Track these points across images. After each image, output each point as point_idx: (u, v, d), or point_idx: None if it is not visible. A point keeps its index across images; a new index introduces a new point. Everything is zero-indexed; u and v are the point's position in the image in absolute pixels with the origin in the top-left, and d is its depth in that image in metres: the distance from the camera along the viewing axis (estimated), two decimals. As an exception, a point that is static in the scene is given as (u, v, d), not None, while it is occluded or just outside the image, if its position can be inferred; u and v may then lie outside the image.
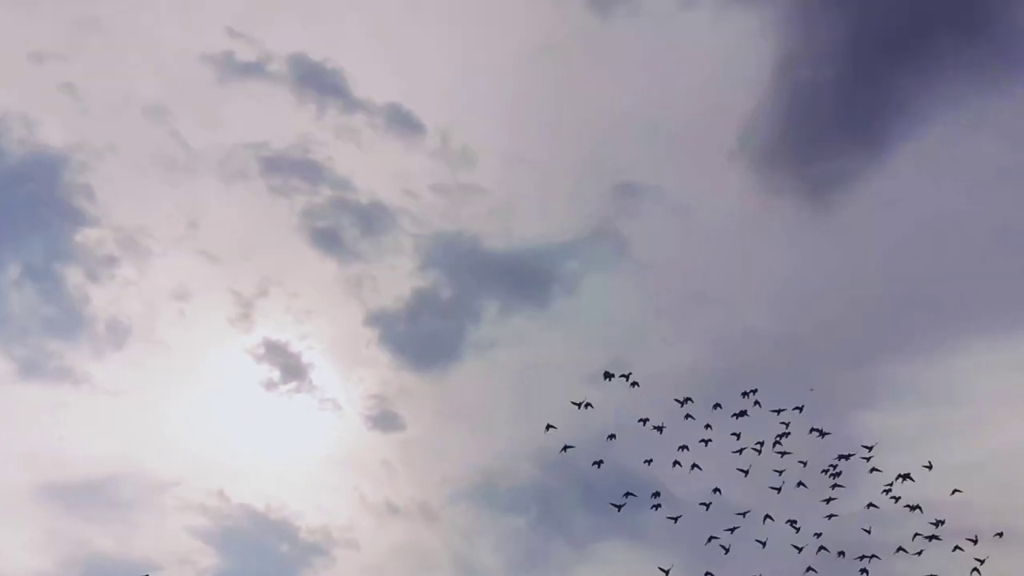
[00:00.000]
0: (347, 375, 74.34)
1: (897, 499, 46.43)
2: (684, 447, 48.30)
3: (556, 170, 76.17)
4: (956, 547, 45.34)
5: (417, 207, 77.07)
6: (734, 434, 47.05)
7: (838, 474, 46.66)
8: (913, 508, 46.00)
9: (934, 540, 45.74)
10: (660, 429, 47.21)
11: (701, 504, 47.65)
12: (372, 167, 78.89)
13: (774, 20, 69.47)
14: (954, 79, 65.18)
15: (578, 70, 77.04)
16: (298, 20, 79.02)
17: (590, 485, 67.58)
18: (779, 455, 46.97)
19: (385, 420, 72.12)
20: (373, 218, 76.85)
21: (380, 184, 78.07)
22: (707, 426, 46.52)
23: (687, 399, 47.16)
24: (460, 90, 78.99)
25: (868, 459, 46.27)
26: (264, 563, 68.07)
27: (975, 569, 45.04)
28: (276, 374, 72.77)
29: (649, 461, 48.25)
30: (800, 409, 46.52)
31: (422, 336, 74.38)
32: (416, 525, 68.64)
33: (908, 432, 60.73)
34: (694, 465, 47.30)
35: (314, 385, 73.05)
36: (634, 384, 47.62)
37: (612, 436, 48.07)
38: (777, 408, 46.65)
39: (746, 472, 47.14)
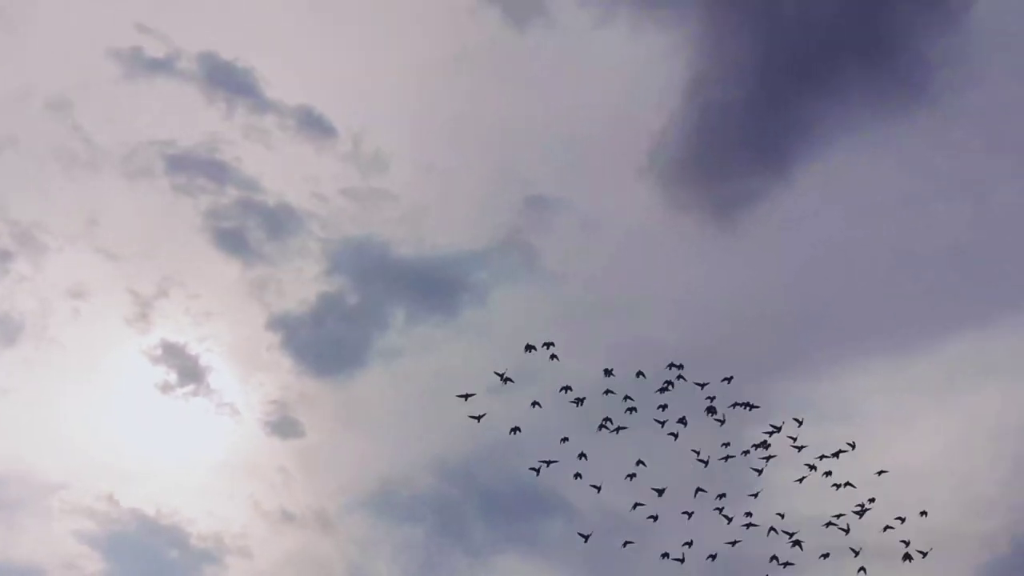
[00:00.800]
0: (246, 379, 73.10)
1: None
2: (583, 455, 48.46)
3: (468, 179, 76.15)
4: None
5: (326, 211, 76.46)
6: (661, 406, 48.28)
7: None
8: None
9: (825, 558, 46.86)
10: (580, 402, 48.18)
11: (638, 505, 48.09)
12: (281, 169, 78.17)
13: (687, 40, 70.58)
14: (859, 105, 66.88)
15: (493, 80, 77.28)
16: (210, 18, 77.92)
17: (489, 495, 67.40)
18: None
19: (284, 426, 71.11)
20: (280, 220, 75.94)
21: (289, 186, 77.34)
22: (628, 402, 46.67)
23: (609, 371, 48.05)
24: (374, 95, 78.58)
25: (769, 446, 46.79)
26: (152, 570, 66.47)
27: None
28: (173, 376, 71.45)
29: (547, 462, 48.27)
30: (712, 407, 47.27)
31: (326, 342, 73.46)
32: (311, 533, 67.56)
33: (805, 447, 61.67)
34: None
35: (212, 389, 71.84)
36: (553, 357, 48.30)
37: (516, 429, 48.21)
38: (701, 382, 47.41)
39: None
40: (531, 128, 74.73)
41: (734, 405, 46.98)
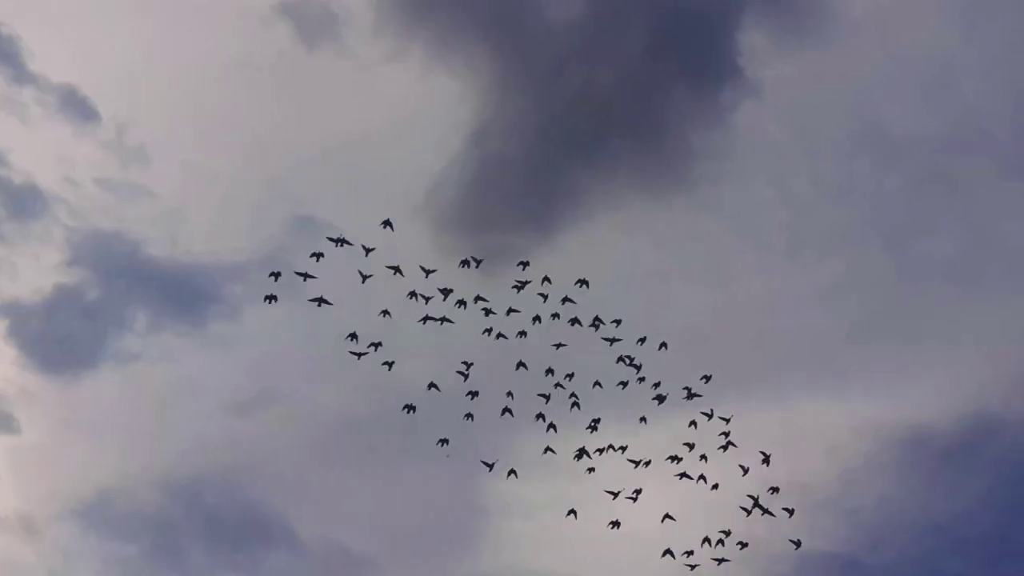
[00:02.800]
0: (-38, 364, 67.31)
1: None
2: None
3: (235, 189, 73.73)
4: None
5: (76, 198, 72.14)
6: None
7: None
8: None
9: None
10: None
11: None
12: (34, 147, 73.62)
13: (475, 91, 71.95)
14: (625, 182, 70.21)
15: (275, 94, 75.68)
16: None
17: (213, 519, 64.94)
18: None
19: (-3, 420, 65.87)
20: (24, 200, 71.05)
21: (39, 166, 73.11)
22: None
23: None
24: (147, 86, 75.17)
25: None
26: None
27: None
28: None
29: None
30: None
31: (57, 336, 68.75)
32: (13, 539, 62.54)
33: (535, 501, 63.53)
34: None
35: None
36: (386, 364, 48.97)
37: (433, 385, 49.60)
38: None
39: None
40: (309, 148, 73.60)
41: None
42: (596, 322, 49.95)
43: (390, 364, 49.87)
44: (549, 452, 50.36)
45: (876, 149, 72.09)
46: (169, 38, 75.09)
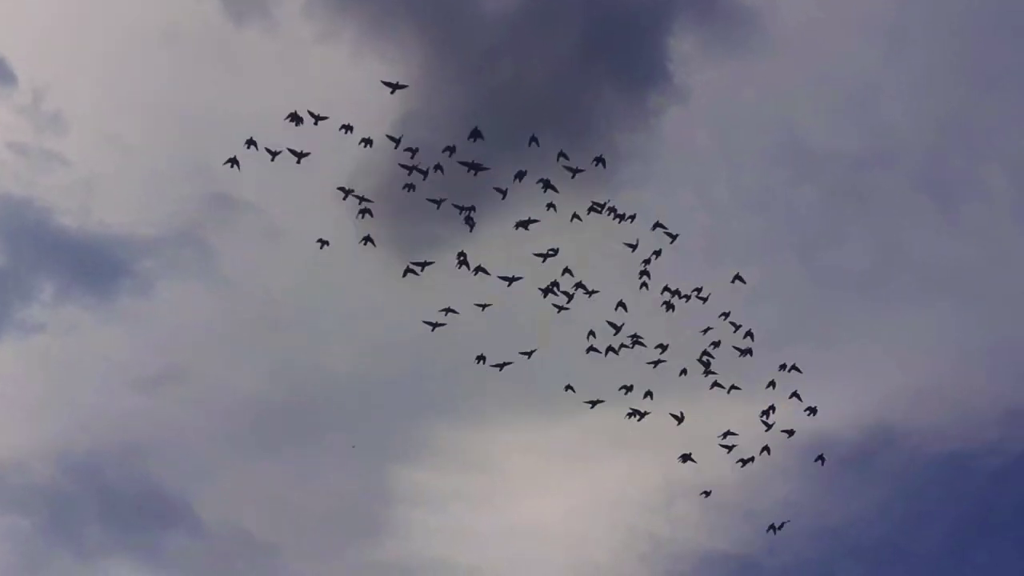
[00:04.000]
0: None
1: None
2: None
3: (152, 161, 71.74)
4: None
5: (-12, 162, 69.78)
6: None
7: None
8: None
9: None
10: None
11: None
12: (-58, 106, 70.84)
13: (404, 76, 70.22)
14: (552, 178, 69.96)
15: (199, 67, 73.88)
16: None
17: (111, 496, 63.56)
18: None
19: None
20: (-70, 160, 68.49)
21: (-52, 127, 70.18)
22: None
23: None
24: (67, 53, 72.83)
25: None
26: None
27: None
28: None
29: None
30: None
31: (-43, 302, 66.47)
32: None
33: (443, 492, 63.64)
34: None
35: None
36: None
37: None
38: None
39: None
40: (230, 124, 71.66)
41: None
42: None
43: None
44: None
45: (794, 161, 73.45)
46: (92, 3, 73.15)
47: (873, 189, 72.27)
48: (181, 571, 62.32)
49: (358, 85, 71.67)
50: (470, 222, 47.57)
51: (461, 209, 47.38)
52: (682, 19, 69.20)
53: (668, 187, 69.25)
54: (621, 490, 59.65)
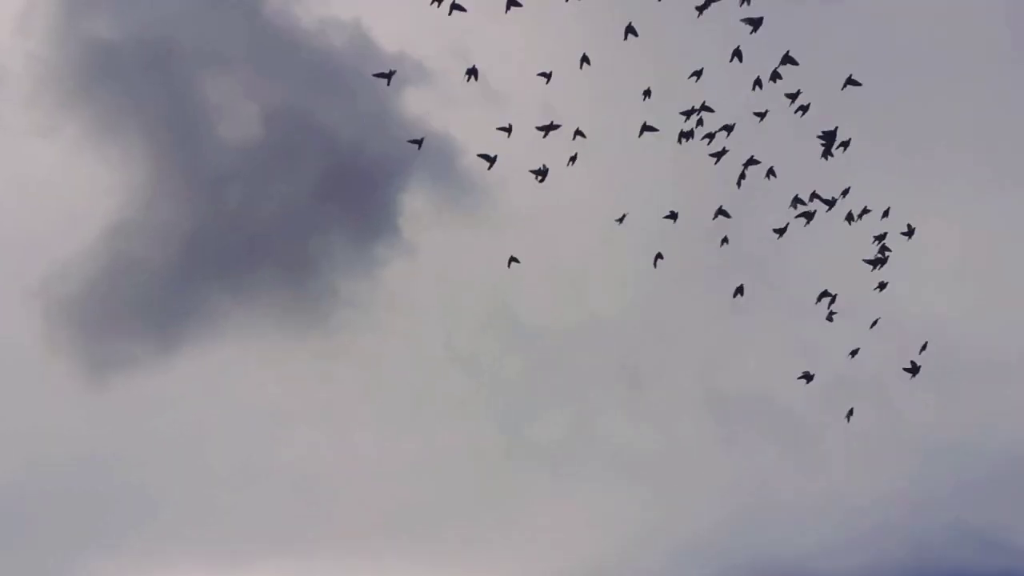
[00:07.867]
0: None
1: None
2: None
3: None
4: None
5: None
6: None
7: None
8: None
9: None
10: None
11: None
12: None
13: (125, 185, 67.80)
14: (262, 314, 68.05)
15: None
16: None
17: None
18: None
19: None
20: None
21: None
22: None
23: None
24: None
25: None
26: None
27: None
28: None
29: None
30: None
31: None
32: None
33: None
34: None
35: None
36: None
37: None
38: None
39: None
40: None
41: None
42: None
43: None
44: None
45: (506, 330, 75.41)
46: None
47: (575, 368, 75.25)
48: None
49: (71, 186, 67.59)
50: None
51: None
52: (419, 179, 70.99)
53: (383, 336, 69.44)
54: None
